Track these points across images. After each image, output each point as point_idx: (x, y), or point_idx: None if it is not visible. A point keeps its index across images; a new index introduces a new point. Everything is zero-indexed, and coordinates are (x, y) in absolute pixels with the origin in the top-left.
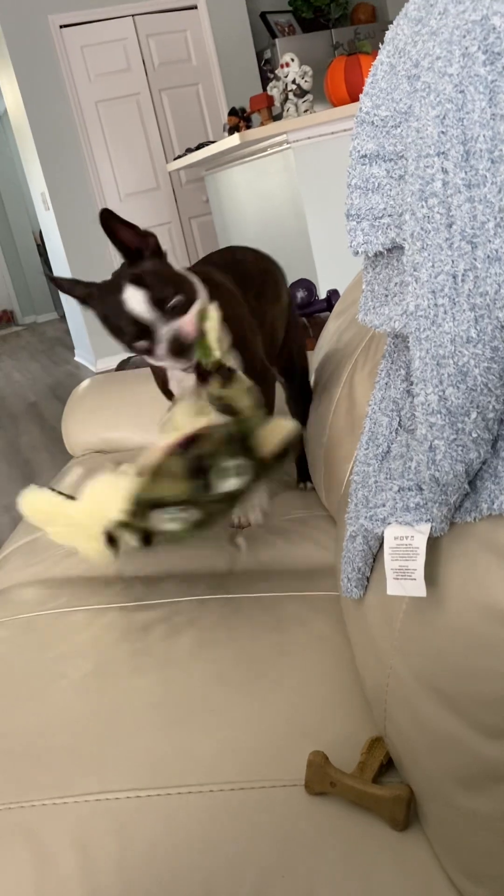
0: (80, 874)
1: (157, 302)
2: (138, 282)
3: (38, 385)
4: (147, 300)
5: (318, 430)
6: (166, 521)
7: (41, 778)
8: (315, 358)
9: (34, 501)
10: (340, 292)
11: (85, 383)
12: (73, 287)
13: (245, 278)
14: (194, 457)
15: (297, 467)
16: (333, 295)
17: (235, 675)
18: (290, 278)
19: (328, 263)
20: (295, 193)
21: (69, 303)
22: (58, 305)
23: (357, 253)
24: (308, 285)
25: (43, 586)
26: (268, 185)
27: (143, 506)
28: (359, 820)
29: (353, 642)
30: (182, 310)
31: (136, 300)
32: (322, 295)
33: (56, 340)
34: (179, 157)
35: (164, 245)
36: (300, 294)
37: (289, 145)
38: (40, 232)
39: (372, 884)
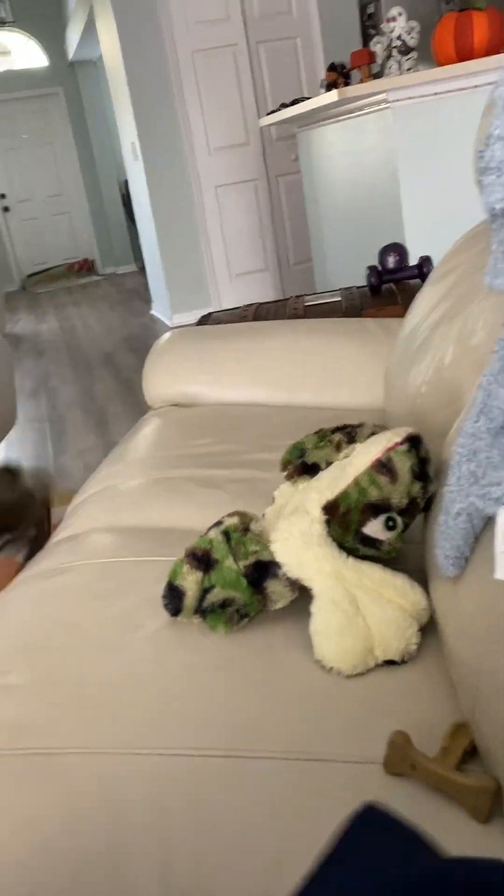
0: (155, 826)
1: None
2: None
3: (114, 336)
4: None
5: (404, 398)
6: (383, 530)
7: (116, 728)
8: (405, 327)
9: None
10: (434, 260)
11: (167, 336)
12: None
13: None
14: (422, 458)
15: None
16: (426, 262)
17: None
18: (380, 242)
19: (419, 229)
20: (390, 156)
21: (150, 256)
22: (138, 258)
23: (493, 210)
24: (400, 250)
25: (120, 534)
26: (362, 145)
27: (359, 510)
28: (438, 806)
29: (441, 622)
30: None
31: None
32: (413, 261)
33: (134, 293)
34: (273, 112)
35: (250, 203)
36: (391, 259)
37: (388, 105)
38: (125, 182)
39: None
